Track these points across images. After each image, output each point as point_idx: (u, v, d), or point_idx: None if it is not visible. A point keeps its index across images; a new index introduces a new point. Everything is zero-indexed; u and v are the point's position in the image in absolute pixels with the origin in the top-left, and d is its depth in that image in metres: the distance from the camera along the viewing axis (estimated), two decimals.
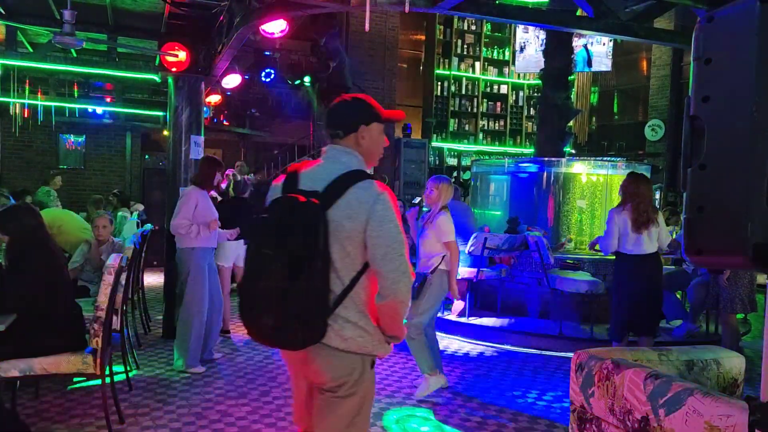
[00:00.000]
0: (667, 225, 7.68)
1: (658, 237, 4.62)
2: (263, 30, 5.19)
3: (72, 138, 11.93)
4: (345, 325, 1.92)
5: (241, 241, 5.65)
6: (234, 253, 5.66)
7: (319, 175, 1.99)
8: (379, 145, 2.12)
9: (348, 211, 1.91)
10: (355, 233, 1.91)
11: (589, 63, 13.20)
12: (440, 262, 4.31)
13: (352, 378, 1.97)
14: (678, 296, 6.45)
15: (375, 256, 1.92)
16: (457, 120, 15.14)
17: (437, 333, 6.12)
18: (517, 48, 14.27)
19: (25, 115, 10.11)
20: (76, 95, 11.00)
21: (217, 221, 4.77)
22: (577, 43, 12.79)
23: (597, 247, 5.35)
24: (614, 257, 4.81)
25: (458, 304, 6.52)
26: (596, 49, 13.21)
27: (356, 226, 1.90)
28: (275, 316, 1.85)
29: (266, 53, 10.81)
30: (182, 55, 5.59)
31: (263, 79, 10.35)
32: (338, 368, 1.96)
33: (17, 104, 9.94)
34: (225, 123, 12.27)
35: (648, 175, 7.53)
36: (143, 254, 5.78)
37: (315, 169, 2.04)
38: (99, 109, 11.39)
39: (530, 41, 13.98)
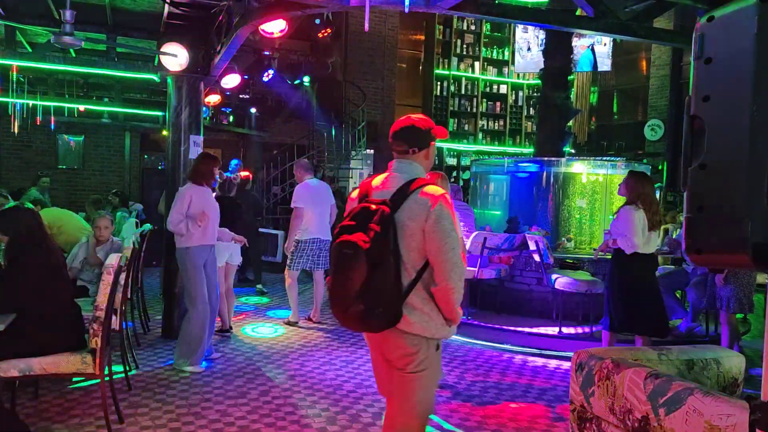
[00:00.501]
0: (663, 222, 7.71)
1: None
2: (263, 30, 5.18)
3: (71, 138, 11.92)
4: (412, 311, 2.29)
5: (232, 240, 5.64)
6: (226, 251, 5.67)
7: (388, 185, 2.40)
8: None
9: (410, 213, 2.28)
10: (417, 231, 2.27)
11: (594, 65, 13.21)
12: None
13: (418, 358, 2.34)
14: (678, 296, 6.44)
15: (431, 250, 2.27)
16: (456, 120, 15.14)
17: None
18: (523, 47, 14.23)
19: (24, 116, 10.09)
20: (75, 95, 10.99)
21: (206, 215, 4.64)
22: (582, 43, 12.80)
23: (600, 254, 5.34)
24: (612, 255, 4.81)
25: None
26: (597, 49, 13.22)
27: (417, 225, 2.27)
28: (358, 306, 2.21)
29: (265, 53, 10.80)
30: (181, 54, 5.58)
31: (263, 79, 10.35)
32: (405, 348, 2.33)
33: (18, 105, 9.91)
34: (224, 123, 12.26)
35: (648, 175, 7.54)
36: (142, 254, 5.78)
37: (385, 181, 2.44)
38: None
39: (530, 41, 13.99)
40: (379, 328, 2.29)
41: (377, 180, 2.48)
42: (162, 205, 7.45)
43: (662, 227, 7.59)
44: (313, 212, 6.18)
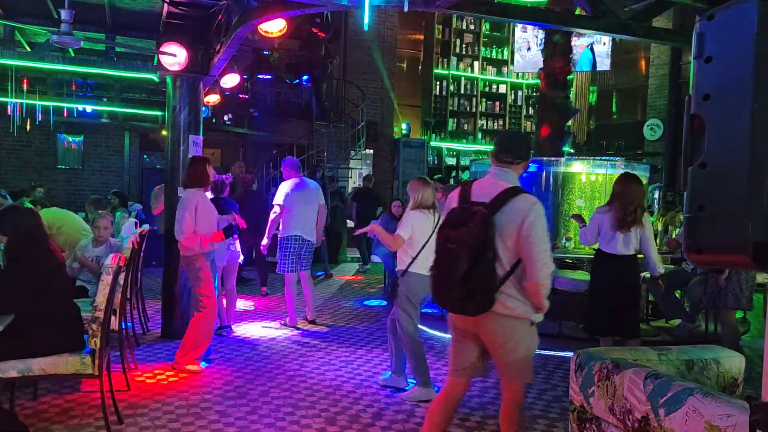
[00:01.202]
0: (661, 220, 7.69)
1: (641, 242, 4.54)
2: (262, 29, 5.17)
3: (70, 138, 11.92)
4: (508, 298, 2.68)
5: (230, 240, 5.61)
6: (224, 252, 5.69)
7: (487, 190, 2.76)
8: None
9: (509, 216, 2.65)
10: (513, 232, 2.64)
11: (594, 65, 13.21)
12: (410, 264, 4.20)
13: (514, 337, 2.73)
14: (678, 295, 6.44)
15: (524, 249, 2.63)
16: (455, 119, 15.14)
17: (432, 331, 6.14)
18: (522, 47, 14.22)
19: (23, 115, 10.07)
20: (74, 95, 10.98)
21: (221, 234, 4.73)
22: (582, 43, 12.79)
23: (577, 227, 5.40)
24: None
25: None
26: (596, 49, 13.21)
27: (514, 227, 2.63)
28: (460, 292, 2.60)
29: (265, 53, 10.79)
30: (180, 54, 5.57)
31: (260, 77, 10.34)
32: (503, 330, 2.72)
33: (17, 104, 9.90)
34: (224, 122, 12.25)
35: (647, 174, 7.53)
36: (141, 254, 5.77)
37: (483, 186, 2.81)
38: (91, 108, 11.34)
39: (530, 41, 13.98)
40: (475, 312, 2.67)
41: (477, 185, 2.85)
42: (156, 206, 7.42)
43: (659, 226, 7.60)
44: (295, 210, 6.10)
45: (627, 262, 4.61)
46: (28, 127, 10.31)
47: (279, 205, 6.11)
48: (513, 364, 2.79)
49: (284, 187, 6.20)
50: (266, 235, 6.25)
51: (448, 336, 6.05)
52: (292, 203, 6.10)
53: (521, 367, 2.81)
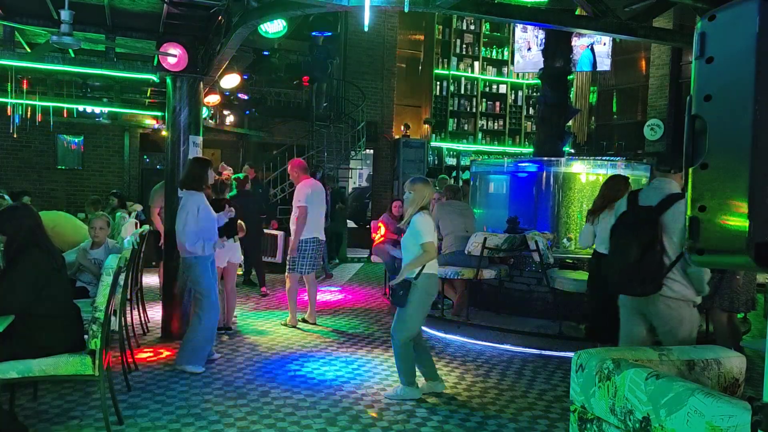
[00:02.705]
0: None
1: None
2: (262, 29, 5.17)
3: (70, 138, 11.92)
4: (674, 283, 3.34)
5: (230, 240, 5.60)
6: (227, 252, 5.67)
7: (652, 196, 3.45)
8: None
9: (674, 216, 3.30)
10: (677, 230, 3.28)
11: (594, 65, 13.20)
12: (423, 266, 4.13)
13: (678, 317, 3.36)
14: None
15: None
16: (455, 120, 15.13)
17: (432, 331, 6.14)
18: (523, 47, 14.20)
19: (27, 116, 10.06)
20: (74, 95, 10.97)
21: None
22: (582, 43, 12.78)
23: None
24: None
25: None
26: (596, 49, 13.21)
27: (678, 225, 3.27)
28: (632, 278, 3.31)
29: (265, 53, 10.78)
30: (180, 55, 5.56)
31: (260, 78, 10.34)
32: (668, 311, 3.36)
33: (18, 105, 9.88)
34: (225, 123, 12.25)
35: (647, 174, 7.52)
36: (141, 254, 5.76)
37: (648, 192, 3.53)
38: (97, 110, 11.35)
39: (530, 41, 13.98)
40: (644, 293, 3.34)
41: (642, 192, 3.54)
42: (153, 209, 7.39)
43: None
44: (313, 211, 6.14)
45: None
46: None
47: (304, 206, 6.07)
48: (676, 343, 3.22)
49: (305, 189, 6.16)
50: (294, 239, 6.09)
51: (448, 336, 6.09)
52: (312, 205, 6.11)
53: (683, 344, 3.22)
